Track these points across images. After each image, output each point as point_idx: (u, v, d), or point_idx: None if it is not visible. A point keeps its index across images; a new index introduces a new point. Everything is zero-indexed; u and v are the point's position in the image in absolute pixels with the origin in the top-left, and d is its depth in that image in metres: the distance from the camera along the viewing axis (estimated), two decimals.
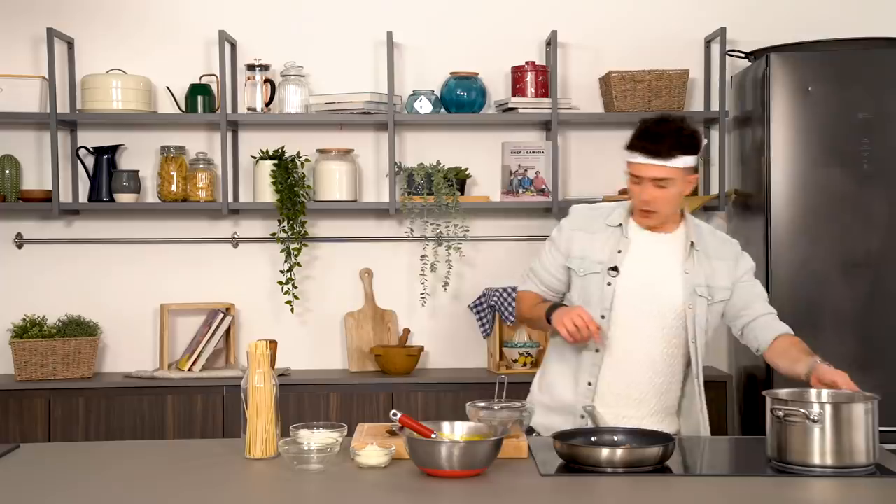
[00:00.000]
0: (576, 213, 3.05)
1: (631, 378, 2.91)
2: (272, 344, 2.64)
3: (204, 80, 4.33)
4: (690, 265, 2.91)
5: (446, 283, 4.38)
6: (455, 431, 2.56)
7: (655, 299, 2.89)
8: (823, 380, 2.69)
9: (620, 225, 2.95)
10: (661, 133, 2.82)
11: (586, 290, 2.93)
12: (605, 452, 2.45)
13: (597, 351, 2.91)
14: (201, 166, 4.29)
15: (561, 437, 2.56)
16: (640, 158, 2.84)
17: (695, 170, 2.90)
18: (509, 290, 4.23)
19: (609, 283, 2.89)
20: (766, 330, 2.97)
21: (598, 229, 2.96)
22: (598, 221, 2.98)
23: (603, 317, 2.88)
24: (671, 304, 2.89)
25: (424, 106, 4.28)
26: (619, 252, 2.91)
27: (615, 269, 2.90)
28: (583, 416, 2.87)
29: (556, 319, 2.83)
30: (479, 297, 4.36)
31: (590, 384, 2.92)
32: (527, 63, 4.30)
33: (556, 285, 3.02)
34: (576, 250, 2.96)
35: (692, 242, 2.93)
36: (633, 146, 2.86)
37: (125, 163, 4.39)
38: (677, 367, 2.95)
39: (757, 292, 3.00)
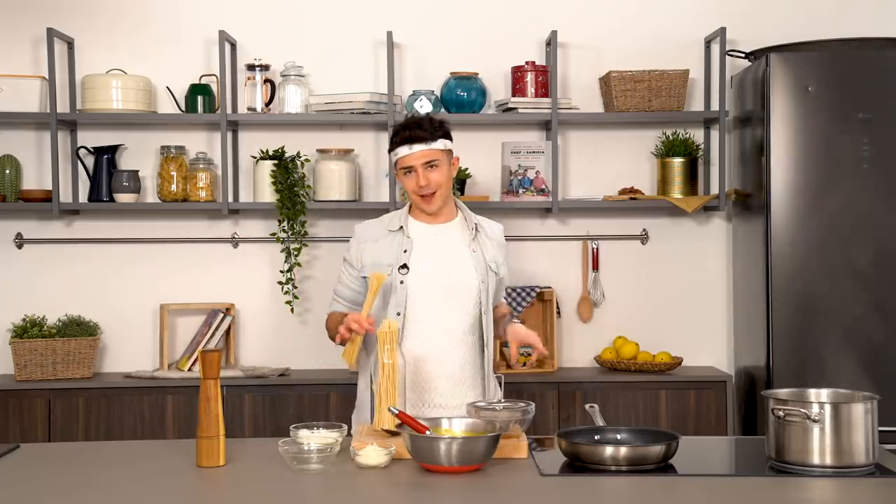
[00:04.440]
0: (359, 228, 3.20)
1: (442, 362, 3.02)
2: (216, 353, 2.57)
3: (204, 80, 4.34)
4: (476, 245, 3.11)
5: None
6: (454, 427, 2.60)
7: (449, 284, 3.05)
8: (518, 336, 3.04)
9: (401, 227, 3.11)
10: (417, 123, 3.05)
11: (386, 293, 3.06)
12: (608, 450, 2.47)
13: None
14: (201, 166, 4.29)
15: (565, 435, 2.58)
16: (406, 150, 3.03)
17: (452, 153, 3.11)
18: (509, 291, 4.23)
19: (402, 282, 3.03)
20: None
21: (381, 237, 3.13)
22: (380, 230, 3.15)
23: (399, 314, 3.01)
24: (466, 284, 3.06)
25: (424, 106, 4.28)
26: (405, 251, 3.07)
27: (404, 266, 3.04)
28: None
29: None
30: None
31: None
32: (527, 63, 4.30)
33: (359, 299, 3.13)
34: (367, 260, 3.11)
35: (476, 224, 3.12)
36: (395, 143, 3.06)
37: (125, 163, 4.39)
38: (477, 341, 3.08)
39: (504, 281, 3.24)
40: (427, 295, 3.03)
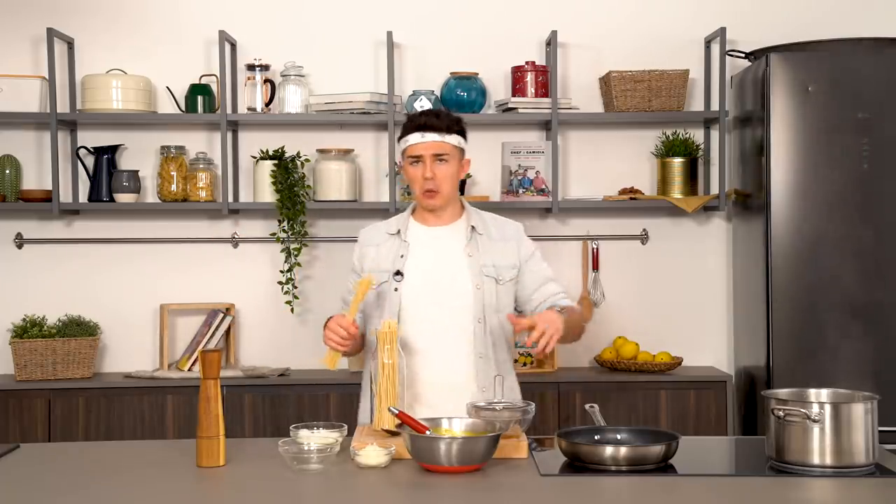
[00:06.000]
0: (363, 233, 3.16)
1: (434, 370, 2.94)
2: (216, 353, 2.56)
3: (204, 80, 4.34)
4: (473, 248, 3.01)
5: None
6: (454, 427, 2.60)
7: (445, 291, 2.97)
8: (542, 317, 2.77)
9: (399, 231, 3.05)
10: (435, 113, 3.00)
11: (381, 299, 3.01)
12: (608, 450, 2.46)
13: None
14: (201, 166, 4.29)
15: (565, 435, 2.58)
16: (417, 137, 2.96)
17: (464, 153, 3.05)
18: None
19: (396, 289, 2.98)
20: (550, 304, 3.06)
21: (381, 241, 3.08)
22: (380, 234, 3.10)
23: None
24: (461, 291, 2.97)
25: (424, 106, 4.27)
26: (402, 256, 3.01)
27: (398, 273, 2.98)
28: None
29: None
30: None
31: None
32: (527, 63, 4.30)
33: (365, 308, 3.06)
34: (367, 265, 3.06)
35: (473, 227, 3.03)
36: (408, 129, 2.98)
37: (125, 163, 4.39)
38: (476, 350, 2.98)
39: (546, 275, 3.09)
40: (422, 302, 2.96)
